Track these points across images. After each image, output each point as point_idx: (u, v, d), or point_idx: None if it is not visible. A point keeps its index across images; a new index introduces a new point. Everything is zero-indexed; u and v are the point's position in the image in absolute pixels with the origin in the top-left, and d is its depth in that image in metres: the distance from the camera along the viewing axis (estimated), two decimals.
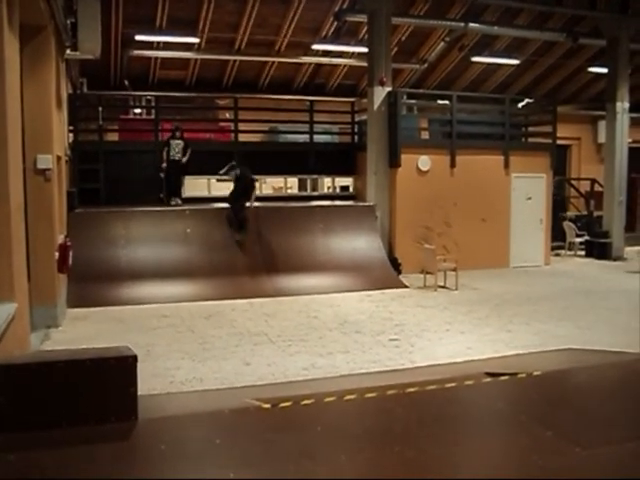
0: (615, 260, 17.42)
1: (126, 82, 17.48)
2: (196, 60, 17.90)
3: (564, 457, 4.85)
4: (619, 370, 7.54)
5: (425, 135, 17.51)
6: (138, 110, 19.08)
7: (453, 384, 6.54)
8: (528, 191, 16.19)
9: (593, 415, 5.91)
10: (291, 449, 4.83)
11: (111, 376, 4.42)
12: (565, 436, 5.29)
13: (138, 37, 16.28)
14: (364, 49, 16.06)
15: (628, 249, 18.51)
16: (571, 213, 20.39)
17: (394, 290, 12.96)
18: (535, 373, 7.05)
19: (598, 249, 17.82)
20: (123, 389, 4.45)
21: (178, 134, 14.63)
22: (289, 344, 9.05)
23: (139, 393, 4.75)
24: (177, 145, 14.50)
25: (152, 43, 16.86)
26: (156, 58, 17.52)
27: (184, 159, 14.45)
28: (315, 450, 4.81)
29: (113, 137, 17.44)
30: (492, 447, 5.18)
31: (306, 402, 5.89)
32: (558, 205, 19.15)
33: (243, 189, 13.41)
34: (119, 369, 4.46)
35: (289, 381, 7.16)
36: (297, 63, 18.76)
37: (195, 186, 16.43)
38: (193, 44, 17.15)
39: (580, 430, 5.49)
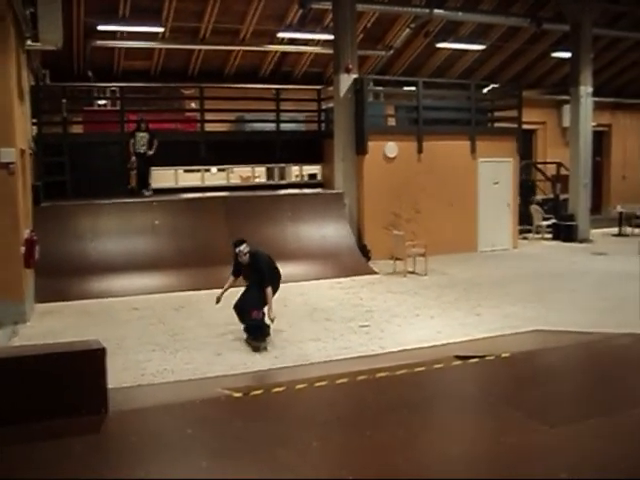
0: (581, 242, 17.65)
1: (90, 73, 17.25)
2: (161, 50, 17.71)
3: (532, 436, 4.94)
4: (584, 350, 7.68)
5: (392, 122, 17.56)
6: (103, 101, 18.86)
7: (423, 368, 6.63)
8: (495, 175, 16.33)
9: (560, 394, 6.03)
10: (263, 437, 4.86)
11: (80, 370, 4.41)
12: (533, 415, 5.38)
13: (101, 27, 16.04)
14: (330, 36, 16.03)
15: (594, 231, 18.76)
16: (538, 197, 20.60)
17: (364, 277, 13.02)
18: (503, 355, 7.16)
19: (565, 232, 18.04)
20: (93, 382, 4.43)
21: (143, 126, 14.50)
22: None
23: (110, 386, 4.74)
24: (142, 138, 14.38)
25: (115, 33, 16.64)
26: (120, 48, 17.30)
27: (150, 152, 14.35)
28: (287, 437, 4.84)
29: (78, 129, 17.22)
30: (462, 429, 5.25)
31: (277, 390, 5.93)
32: (525, 189, 19.35)
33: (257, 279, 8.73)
34: (88, 362, 4.45)
35: (260, 370, 7.17)
36: (263, 51, 18.64)
37: (162, 177, 16.33)
38: (157, 34, 16.97)
39: (548, 409, 5.59)
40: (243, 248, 8.67)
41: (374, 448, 4.76)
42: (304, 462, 4.41)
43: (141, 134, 14.41)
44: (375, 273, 13.34)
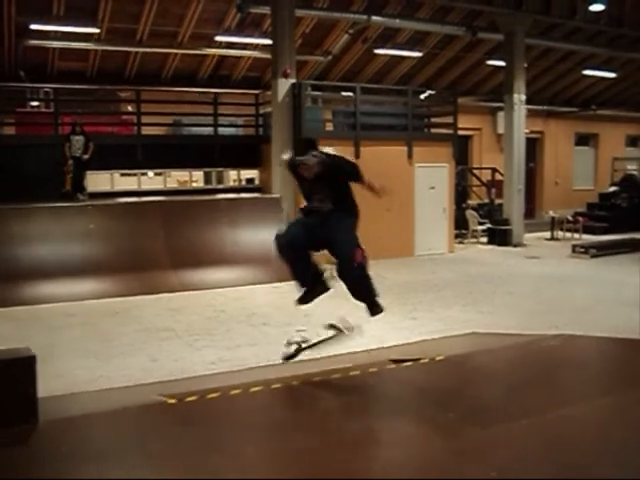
0: (516, 246, 18.04)
1: (22, 73, 16.86)
2: (96, 51, 17.45)
3: (464, 437, 5.03)
4: (516, 352, 7.86)
5: (330, 127, 17.66)
6: (36, 103, 18.47)
7: (357, 372, 6.68)
8: (431, 181, 16.56)
9: (492, 395, 6.16)
10: (197, 443, 4.83)
11: (8, 378, 4.31)
12: (466, 417, 5.49)
13: (33, 26, 15.73)
14: (268, 41, 16.03)
15: (528, 235, 19.20)
16: (473, 202, 20.99)
17: None
18: (438, 358, 7.27)
19: (499, 236, 18.41)
20: (22, 391, 4.34)
21: (78, 129, 14.26)
22: (196, 339, 9.00)
23: (40, 395, 4.65)
24: (77, 141, 14.15)
25: (49, 33, 16.32)
26: (54, 48, 16.97)
27: (85, 156, 14.13)
28: (222, 443, 4.82)
29: (10, 131, 16.83)
30: (395, 432, 5.32)
31: (212, 396, 5.90)
32: (461, 194, 19.71)
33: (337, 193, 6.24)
34: (17, 371, 4.36)
35: (195, 376, 7.13)
36: (201, 55, 18.53)
37: (98, 181, 16.09)
38: (93, 34, 16.72)
39: (480, 411, 5.70)
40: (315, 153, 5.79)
41: (308, 452, 4.78)
42: (237, 468, 4.41)
43: (76, 137, 14.17)
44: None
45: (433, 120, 18.78)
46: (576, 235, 19.59)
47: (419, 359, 7.15)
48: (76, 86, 17.50)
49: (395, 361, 7.04)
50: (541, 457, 4.67)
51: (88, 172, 14.72)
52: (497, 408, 5.77)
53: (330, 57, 19.37)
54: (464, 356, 7.50)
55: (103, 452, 4.68)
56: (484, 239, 19.01)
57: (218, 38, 17.67)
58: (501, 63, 19.70)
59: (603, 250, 16.99)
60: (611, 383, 6.83)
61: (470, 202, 20.73)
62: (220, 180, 19.08)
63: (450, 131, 17.34)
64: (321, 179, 5.96)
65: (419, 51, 20.06)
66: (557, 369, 7.17)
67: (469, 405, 5.84)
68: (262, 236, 13.76)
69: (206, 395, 5.91)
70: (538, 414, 5.53)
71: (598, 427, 5.27)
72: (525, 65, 19.13)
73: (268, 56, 16.23)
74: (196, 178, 19.22)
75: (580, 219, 20.55)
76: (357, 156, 15.47)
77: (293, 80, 15.04)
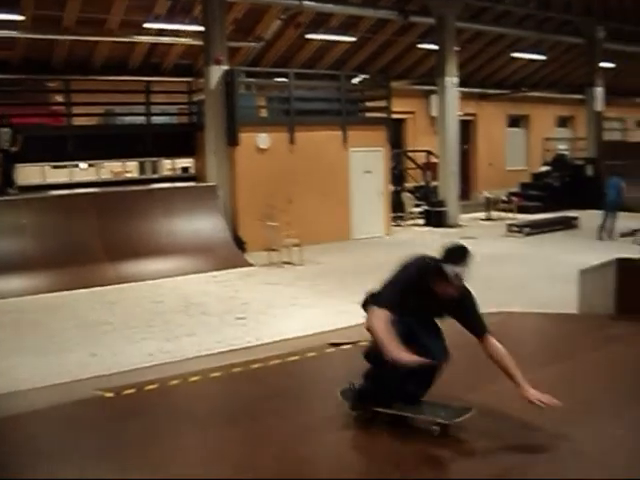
0: (452, 227, 18.28)
1: None
2: (21, 39, 16.94)
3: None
4: (454, 330, 8.01)
5: (264, 113, 17.59)
6: None
7: (296, 357, 6.73)
8: (367, 165, 16.66)
9: None
10: (136, 436, 4.81)
11: None
12: None
13: None
14: (200, 28, 15.84)
15: (463, 216, 19.47)
16: (409, 184, 21.20)
17: (240, 269, 13.01)
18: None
19: (435, 218, 18.65)
20: None
21: (5, 121, 13.93)
22: (134, 331, 8.90)
23: None
24: (5, 134, 13.81)
25: None
26: None
27: (13, 148, 13.79)
28: (161, 435, 4.81)
29: None
30: (335, 413, 5.36)
31: (150, 388, 5.87)
32: (397, 177, 19.88)
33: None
34: None
35: (134, 368, 7.06)
36: (131, 43, 18.20)
37: (28, 174, 15.70)
38: (17, 22, 16.21)
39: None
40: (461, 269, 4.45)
41: (249, 439, 4.80)
42: (176, 459, 4.40)
43: (3, 129, 13.83)
44: (251, 265, 13.35)
45: (367, 104, 18.87)
46: (510, 215, 19.99)
47: (358, 341, 7.22)
48: (1, 76, 17.00)
49: (334, 345, 7.11)
50: (476, 429, 4.80)
51: (18, 165, 14.35)
52: (438, 386, 5.88)
53: (263, 43, 19.24)
54: None
55: (43, 449, 4.62)
56: (421, 221, 19.22)
57: (148, 25, 17.35)
58: (433, 47, 19.88)
59: (537, 228, 17.40)
60: (549, 357, 7.04)
61: (407, 185, 20.94)
62: (155, 170, 18.84)
63: (384, 115, 17.46)
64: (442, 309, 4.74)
65: (352, 36, 20.08)
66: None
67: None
68: (198, 225, 13.71)
69: (144, 387, 5.88)
70: (473, 391, 5.66)
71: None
72: (457, 48, 19.35)
73: (200, 43, 16.04)
74: (130, 168, 18.95)
75: (514, 199, 20.96)
76: (292, 141, 15.51)
77: (226, 67, 14.93)
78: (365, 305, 4.85)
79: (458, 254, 4.50)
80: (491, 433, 4.64)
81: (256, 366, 6.42)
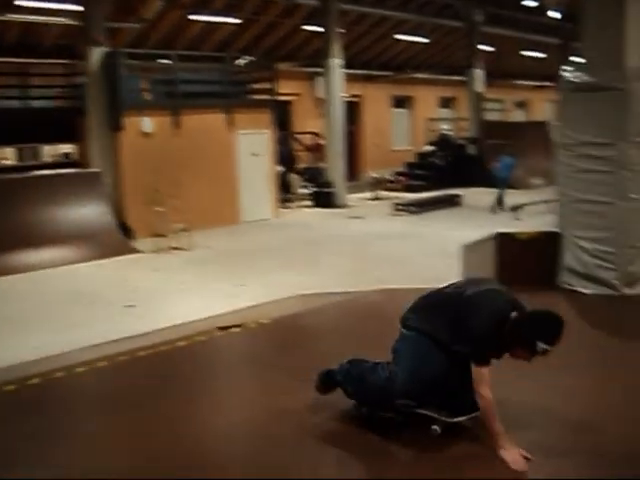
0: (340, 208, 18.54)
1: None
2: None
3: (295, 396, 5.20)
4: (341, 309, 8.17)
5: (148, 97, 17.21)
6: None
7: (185, 343, 6.70)
8: (254, 147, 16.61)
9: (320, 353, 6.38)
10: (17, 433, 4.67)
11: None
12: (294, 376, 5.67)
13: None
14: (79, 7, 15.29)
15: (351, 196, 19.77)
16: (297, 166, 21.30)
17: (127, 256, 12.76)
18: (264, 321, 7.42)
19: (324, 198, 18.85)
20: None
21: None
22: (18, 324, 8.61)
23: None
24: None
25: None
26: None
27: None
28: (44, 431, 4.69)
29: None
30: (227, 398, 5.40)
31: (34, 382, 5.71)
32: (286, 159, 19.93)
33: None
34: None
35: (18, 363, 6.82)
36: (2, 21, 17.34)
37: None
38: None
39: (308, 369, 5.89)
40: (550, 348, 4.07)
41: (138, 429, 4.76)
42: (57, 456, 4.32)
43: None
44: (139, 252, 13.12)
45: (253, 86, 18.78)
46: (397, 194, 20.44)
47: (246, 324, 7.27)
48: None
49: (222, 328, 7.12)
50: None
51: None
52: (325, 365, 6.00)
53: (145, 24, 18.77)
54: (290, 317, 7.69)
55: None
56: (309, 202, 19.38)
57: (19, 2, 16.54)
58: (318, 28, 19.97)
59: (422, 207, 17.89)
60: None
61: (294, 166, 21.02)
62: (36, 156, 18.14)
63: (270, 97, 17.44)
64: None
65: (236, 17, 19.89)
66: (379, 321, 7.53)
67: (297, 364, 6.03)
68: (83, 212, 13.33)
69: (27, 381, 5.71)
70: None
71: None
72: (341, 30, 19.52)
73: (79, 23, 15.50)
74: (8, 155, 18.16)
75: (400, 178, 21.45)
76: (178, 125, 15.27)
77: (107, 48, 14.52)
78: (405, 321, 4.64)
79: (554, 334, 4.04)
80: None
81: (144, 353, 6.35)
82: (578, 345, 5.90)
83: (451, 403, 4.36)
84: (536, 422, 4.64)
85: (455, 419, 4.35)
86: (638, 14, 7.97)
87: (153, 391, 5.37)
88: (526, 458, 4.01)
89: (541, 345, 3.98)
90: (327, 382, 4.81)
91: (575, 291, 7.96)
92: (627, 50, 7.73)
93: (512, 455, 3.99)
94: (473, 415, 4.31)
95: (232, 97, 16.64)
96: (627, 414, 4.74)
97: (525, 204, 16.14)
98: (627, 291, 7.75)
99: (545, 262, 8.17)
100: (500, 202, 17.13)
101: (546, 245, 8.20)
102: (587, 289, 7.93)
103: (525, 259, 8.06)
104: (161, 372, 5.87)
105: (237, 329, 7.11)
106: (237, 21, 20.08)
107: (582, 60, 8.27)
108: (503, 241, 8.24)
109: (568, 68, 8.22)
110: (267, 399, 5.22)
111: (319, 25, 19.68)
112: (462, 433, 4.39)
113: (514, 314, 4.14)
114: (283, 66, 20.30)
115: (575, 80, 8.02)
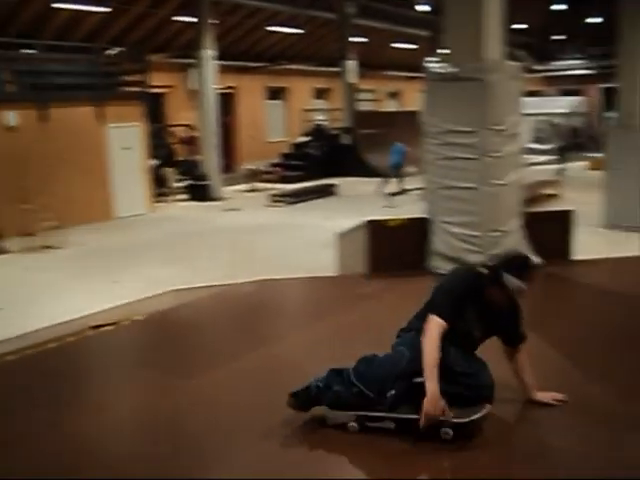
0: (216, 200, 18.39)
1: None
2: None
3: (172, 391, 5.16)
4: (215, 302, 8.16)
5: (12, 88, 16.46)
6: None
7: (56, 344, 6.49)
8: (126, 141, 16.22)
9: (193, 347, 6.36)
10: None
11: None
12: (170, 372, 5.62)
13: None
14: None
15: (228, 189, 19.65)
16: (172, 159, 20.96)
17: None
18: (137, 318, 7.31)
19: (200, 192, 18.65)
20: None
21: None
22: None
23: None
24: None
25: None
26: None
27: None
28: None
29: None
30: (101, 398, 5.28)
31: None
32: (159, 152, 19.57)
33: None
34: None
35: None
36: None
37: None
38: None
39: (183, 364, 5.87)
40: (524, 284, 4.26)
41: (13, 438, 4.59)
42: None
43: None
44: (6, 252, 12.56)
45: (124, 78, 18.31)
46: (273, 185, 20.51)
47: (119, 322, 7.13)
48: None
49: (95, 327, 6.95)
50: (251, 394, 4.99)
51: None
52: (200, 358, 5.98)
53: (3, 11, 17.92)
54: (164, 313, 7.61)
55: None
56: (185, 196, 19.12)
57: None
58: (190, 19, 19.69)
59: (298, 197, 18.03)
60: (308, 318, 7.40)
61: (171, 160, 20.68)
62: None
63: (142, 89, 17.07)
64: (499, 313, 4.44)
65: (105, 6, 19.31)
66: (255, 312, 7.58)
67: (172, 360, 5.98)
68: None
69: None
70: (237, 359, 5.83)
71: (304, 358, 5.75)
72: (214, 21, 19.33)
73: None
74: None
75: (276, 169, 21.51)
76: (44, 119, 14.69)
77: None
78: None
79: (521, 266, 4.25)
80: None
81: (11, 358, 6.11)
82: None
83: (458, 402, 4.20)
84: None
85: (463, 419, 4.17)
86: (495, 9, 8.36)
87: (16, 399, 5.19)
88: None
89: (512, 279, 4.13)
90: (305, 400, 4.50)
91: (444, 275, 8.24)
92: (485, 43, 8.08)
93: (431, 393, 4.03)
94: (486, 411, 4.22)
95: (102, 89, 16.17)
96: None
97: (398, 192, 16.57)
98: None
99: (415, 247, 8.45)
100: (391, 189, 17.21)
101: (416, 231, 8.48)
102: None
103: (396, 245, 8.31)
104: (29, 379, 5.67)
105: (111, 327, 6.96)
106: (106, 10, 19.51)
107: (446, 52, 8.58)
108: (373, 229, 8.45)
109: (433, 59, 8.52)
110: (141, 397, 5.15)
111: (191, 16, 19.40)
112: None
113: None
114: (155, 57, 19.92)
115: (439, 71, 8.32)
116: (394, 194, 16.46)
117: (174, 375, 5.55)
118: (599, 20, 33.10)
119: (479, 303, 4.29)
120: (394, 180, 17.49)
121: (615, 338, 6.15)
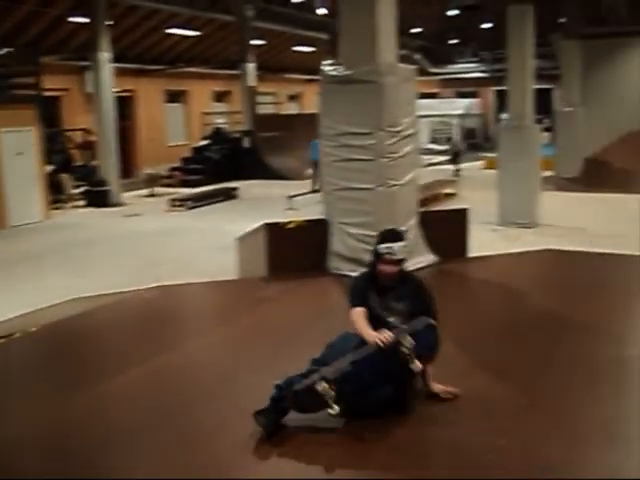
0: (115, 206, 18.02)
1: None
2: None
3: (67, 404, 5.03)
4: (114, 310, 7.98)
5: None
6: None
7: None
8: (18, 146, 15.67)
9: (92, 357, 6.22)
10: None
11: None
12: (64, 386, 5.48)
13: None
14: None
15: (127, 194, 19.29)
16: (69, 165, 20.40)
17: None
18: (33, 329, 7.06)
19: (98, 197, 18.20)
20: None
21: None
22: None
23: None
24: None
25: None
26: None
27: None
28: None
29: None
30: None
31: None
32: (55, 157, 19.03)
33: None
34: None
35: None
36: None
37: None
38: None
39: (80, 375, 5.73)
40: (398, 247, 4.66)
41: None
42: None
43: None
44: None
45: (14, 81, 17.66)
46: (173, 189, 20.27)
47: (12, 334, 6.89)
48: None
49: None
50: (151, 401, 4.91)
51: None
52: (100, 366, 5.87)
53: None
54: (62, 323, 7.39)
55: None
56: (83, 202, 18.63)
57: None
58: (85, 20, 19.18)
59: (199, 201, 17.88)
60: (210, 323, 7.35)
61: (68, 165, 20.12)
62: None
63: (34, 92, 16.52)
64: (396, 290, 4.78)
65: None
66: (155, 319, 7.48)
67: (67, 372, 5.83)
68: None
69: None
70: (144, 363, 5.75)
71: (206, 362, 5.70)
72: (110, 22, 18.91)
73: None
74: None
75: (176, 173, 21.25)
76: None
77: None
78: None
79: (387, 232, 4.82)
80: None
81: None
82: (344, 327, 6.23)
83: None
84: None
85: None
86: (389, 13, 8.52)
87: None
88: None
89: (382, 246, 4.62)
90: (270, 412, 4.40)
91: (344, 275, 8.34)
92: (379, 46, 8.22)
93: (369, 334, 4.37)
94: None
95: None
96: None
97: (298, 194, 16.66)
98: None
99: (315, 249, 8.51)
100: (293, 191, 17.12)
101: (315, 233, 8.54)
102: (355, 272, 8.33)
103: (295, 247, 8.34)
104: None
105: (1, 340, 6.71)
106: None
107: (342, 54, 8.68)
108: (272, 231, 8.46)
109: (328, 62, 8.61)
110: (32, 413, 4.99)
111: (85, 16, 18.89)
112: None
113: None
114: (49, 59, 19.32)
115: (334, 73, 8.41)
116: (295, 196, 16.54)
117: (66, 390, 5.41)
118: (490, 25, 34.27)
119: (377, 285, 4.71)
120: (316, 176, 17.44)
121: (505, 333, 6.38)
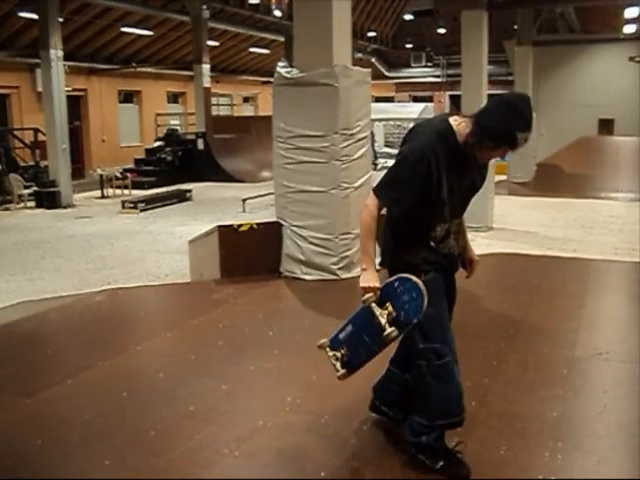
0: (65, 208, 17.68)
1: None
2: None
3: (10, 410, 4.87)
4: (63, 313, 7.80)
5: None
6: None
7: None
8: None
9: (36, 362, 6.04)
10: None
11: None
12: (7, 390, 5.31)
13: None
14: None
15: (78, 196, 18.95)
16: (18, 165, 20.02)
17: None
18: None
19: (48, 199, 17.85)
20: None
21: None
22: None
23: None
24: None
25: None
26: None
27: None
28: None
29: None
30: None
31: None
32: (2, 157, 18.64)
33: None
34: None
35: None
36: None
37: None
38: None
39: (23, 380, 5.56)
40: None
41: None
42: None
43: None
44: None
45: None
46: (126, 191, 19.99)
47: None
48: None
49: None
50: (96, 411, 4.78)
51: None
52: (41, 374, 5.70)
53: None
54: (5, 327, 7.21)
55: None
56: (32, 204, 18.25)
57: None
58: (35, 16, 18.80)
59: (152, 203, 17.62)
60: (162, 326, 7.22)
61: (16, 166, 19.72)
62: None
63: None
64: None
65: None
66: (105, 323, 7.33)
67: (11, 376, 5.67)
68: None
69: None
70: (86, 369, 5.62)
71: (158, 365, 5.59)
72: (61, 19, 18.56)
73: None
74: None
75: (129, 175, 20.97)
76: None
77: None
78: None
79: (530, 118, 3.48)
80: None
81: None
82: (297, 329, 6.18)
83: None
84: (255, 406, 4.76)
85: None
86: (344, 16, 8.50)
87: None
88: None
89: (520, 135, 3.44)
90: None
91: (298, 278, 8.30)
92: (333, 49, 8.19)
93: (366, 275, 3.69)
94: None
95: None
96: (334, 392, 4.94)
97: (252, 197, 16.57)
98: (344, 275, 8.24)
99: (268, 251, 8.44)
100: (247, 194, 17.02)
101: (268, 235, 8.47)
102: (308, 275, 8.31)
103: (248, 250, 8.27)
104: None
105: None
106: None
107: (296, 56, 8.63)
108: (224, 234, 8.37)
109: (281, 64, 8.55)
110: None
111: (35, 12, 18.51)
112: None
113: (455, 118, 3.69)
114: None
115: (288, 75, 8.35)
116: (249, 198, 16.45)
117: (11, 393, 5.25)
118: (444, 31, 34.68)
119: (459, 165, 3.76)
120: None
121: (458, 335, 6.37)
